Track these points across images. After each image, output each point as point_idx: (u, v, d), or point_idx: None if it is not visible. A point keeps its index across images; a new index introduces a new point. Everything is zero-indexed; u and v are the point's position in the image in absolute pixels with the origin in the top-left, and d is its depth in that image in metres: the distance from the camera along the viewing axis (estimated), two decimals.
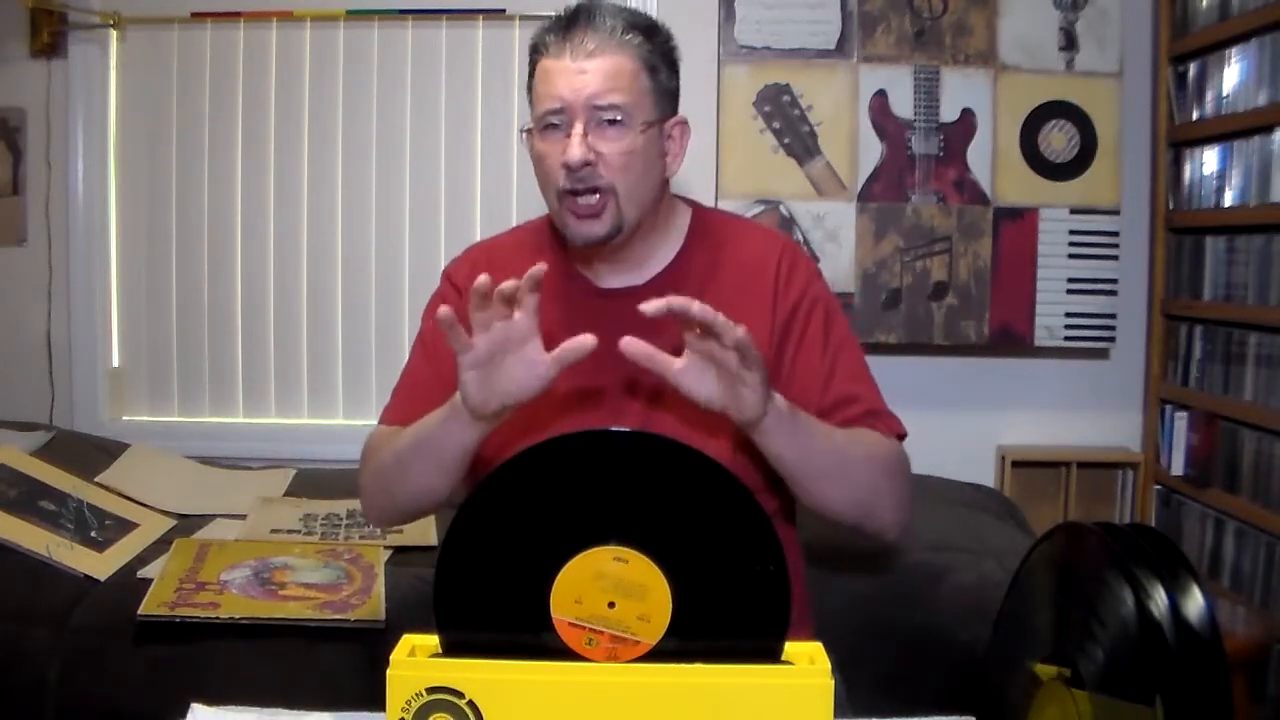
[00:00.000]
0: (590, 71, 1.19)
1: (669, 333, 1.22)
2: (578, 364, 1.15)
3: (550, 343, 1.18)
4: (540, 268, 1.09)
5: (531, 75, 1.26)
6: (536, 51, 1.25)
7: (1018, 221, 2.61)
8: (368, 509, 1.35)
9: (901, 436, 1.29)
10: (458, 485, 1.23)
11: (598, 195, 1.21)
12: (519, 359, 1.11)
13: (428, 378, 1.32)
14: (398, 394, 1.36)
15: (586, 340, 1.10)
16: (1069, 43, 2.59)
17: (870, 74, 2.60)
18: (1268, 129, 2.22)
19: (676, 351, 1.16)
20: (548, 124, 1.22)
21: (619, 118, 1.20)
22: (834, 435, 1.21)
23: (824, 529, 1.34)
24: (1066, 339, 2.63)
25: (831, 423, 1.24)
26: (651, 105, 1.24)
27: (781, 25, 2.59)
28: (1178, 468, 2.52)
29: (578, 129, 1.19)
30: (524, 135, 1.28)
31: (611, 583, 0.85)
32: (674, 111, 1.29)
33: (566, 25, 1.22)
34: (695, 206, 1.37)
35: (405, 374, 1.37)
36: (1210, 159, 2.46)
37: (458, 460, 1.18)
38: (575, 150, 1.18)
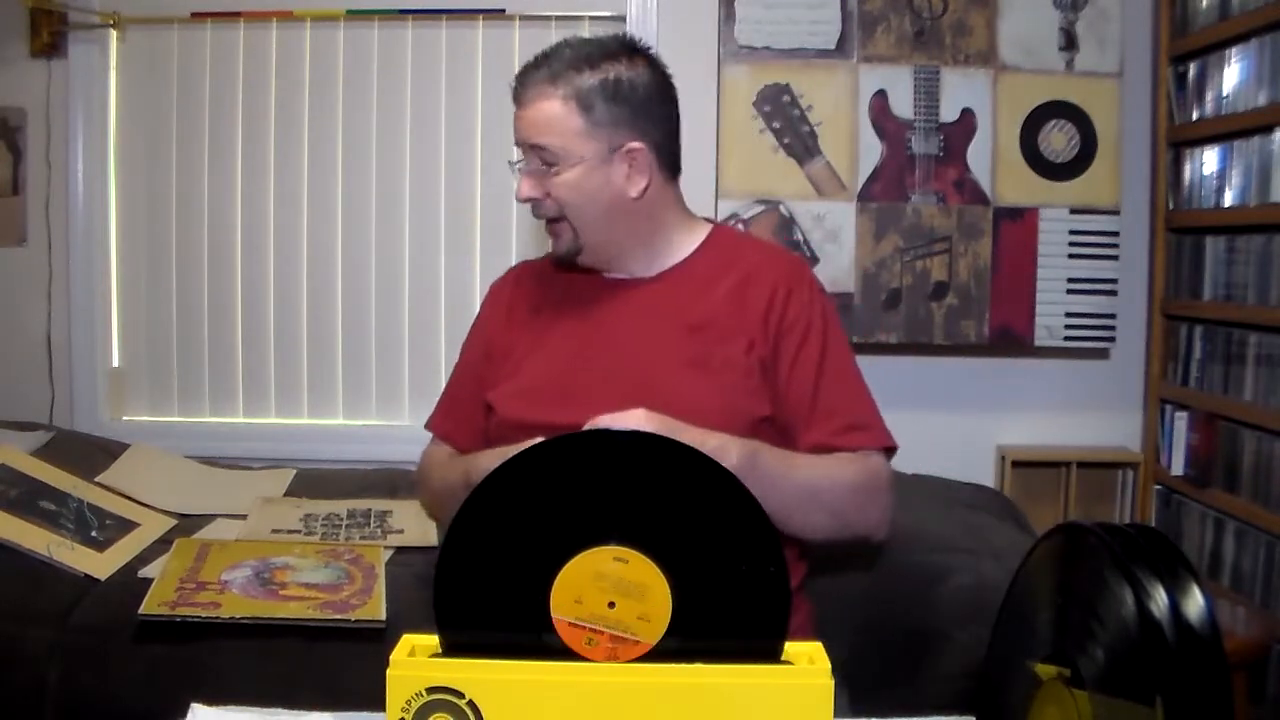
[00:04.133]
0: (525, 118, 1.32)
1: (662, 320, 1.33)
2: (564, 346, 1.33)
3: (541, 317, 1.38)
4: None
5: None
6: None
7: (1018, 221, 2.61)
8: (433, 518, 1.57)
9: (889, 448, 1.34)
10: None
11: (553, 222, 1.36)
12: None
13: (465, 394, 1.46)
14: (442, 404, 1.51)
15: None
16: (1069, 43, 2.59)
17: (870, 74, 2.60)
18: (1268, 129, 2.22)
19: (670, 337, 1.30)
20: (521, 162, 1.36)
21: (551, 156, 1.31)
22: (797, 470, 1.26)
23: None
24: (1066, 339, 2.63)
25: (817, 435, 1.30)
26: (585, 142, 1.31)
27: (781, 25, 2.59)
28: (1178, 468, 2.52)
29: (523, 169, 1.35)
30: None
31: (611, 583, 0.85)
32: (626, 139, 1.33)
33: (521, 72, 1.34)
34: (717, 226, 1.45)
35: (450, 383, 1.52)
36: (1210, 159, 2.46)
37: None
38: (522, 189, 1.34)
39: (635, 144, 1.33)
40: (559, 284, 1.43)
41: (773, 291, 1.34)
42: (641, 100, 1.32)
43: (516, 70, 1.36)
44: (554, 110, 1.30)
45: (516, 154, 1.38)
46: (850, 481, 1.29)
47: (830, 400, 1.33)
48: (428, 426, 1.51)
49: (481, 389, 1.41)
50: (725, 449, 1.16)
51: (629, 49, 1.33)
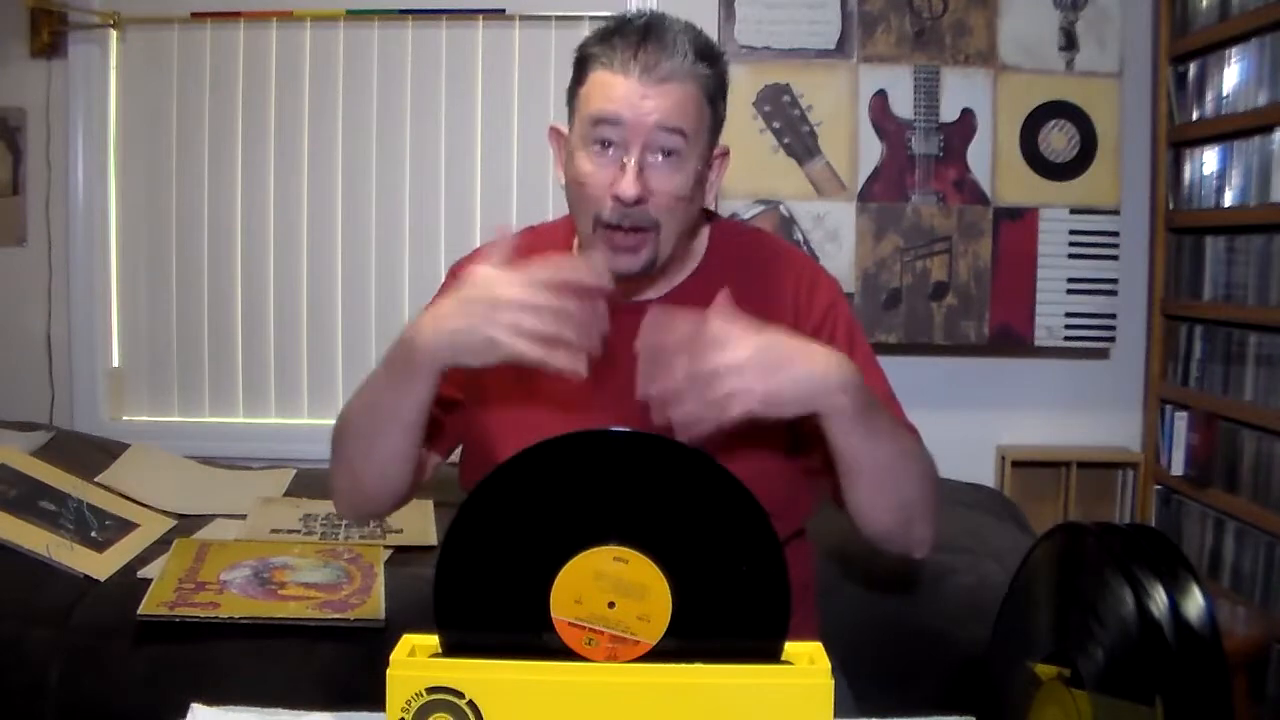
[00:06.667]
0: (656, 99, 1.10)
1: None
2: (567, 387, 1.11)
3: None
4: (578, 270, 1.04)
5: (580, 82, 1.15)
6: (590, 61, 1.14)
7: (1018, 221, 2.61)
8: (337, 502, 1.28)
9: None
10: (422, 461, 1.20)
11: (639, 232, 1.13)
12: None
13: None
14: None
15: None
16: (1069, 43, 2.59)
17: (870, 74, 2.60)
18: (1268, 129, 2.22)
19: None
20: (599, 139, 1.12)
21: (678, 149, 1.13)
22: (899, 430, 1.15)
23: (826, 528, 1.34)
24: (1066, 339, 2.63)
25: None
26: (706, 140, 1.17)
27: (781, 25, 2.59)
28: (1178, 468, 2.52)
29: (632, 160, 1.10)
30: (553, 133, 1.21)
31: (611, 583, 0.85)
32: (718, 144, 1.23)
33: (638, 41, 1.11)
34: (714, 220, 1.33)
35: None
36: (1210, 159, 2.46)
37: (418, 422, 1.14)
38: (631, 186, 1.10)
39: (725, 148, 1.22)
40: None
41: (794, 308, 1.25)
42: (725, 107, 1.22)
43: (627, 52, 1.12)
44: (693, 95, 1.13)
45: (583, 137, 1.13)
46: (928, 464, 1.17)
47: None
48: None
49: (444, 408, 1.23)
50: (843, 367, 1.04)
51: (720, 52, 1.22)
